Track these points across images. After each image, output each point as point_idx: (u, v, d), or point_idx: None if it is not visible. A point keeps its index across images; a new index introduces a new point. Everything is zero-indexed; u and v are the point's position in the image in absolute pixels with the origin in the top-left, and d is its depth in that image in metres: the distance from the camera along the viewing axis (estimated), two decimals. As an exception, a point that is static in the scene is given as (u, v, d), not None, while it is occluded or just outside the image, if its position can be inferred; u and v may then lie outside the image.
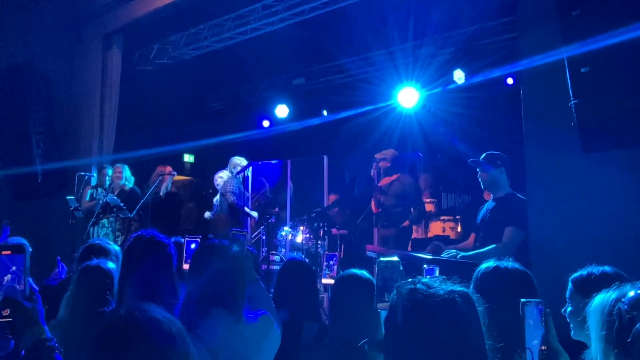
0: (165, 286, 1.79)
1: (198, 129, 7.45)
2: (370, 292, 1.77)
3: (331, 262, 2.61)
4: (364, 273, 1.91)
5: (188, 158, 8.87)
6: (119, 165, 5.42)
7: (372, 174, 5.24)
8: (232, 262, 1.68)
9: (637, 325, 1.05)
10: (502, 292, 1.51)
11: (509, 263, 1.59)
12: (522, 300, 1.34)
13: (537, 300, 1.35)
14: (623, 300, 1.09)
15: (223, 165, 8.10)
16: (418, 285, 0.99)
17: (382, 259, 1.66)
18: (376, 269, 1.63)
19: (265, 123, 8.28)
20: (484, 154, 3.35)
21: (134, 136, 6.64)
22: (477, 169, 3.33)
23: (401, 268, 1.66)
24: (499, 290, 1.52)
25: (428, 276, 1.61)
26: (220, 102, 8.72)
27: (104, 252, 2.21)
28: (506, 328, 1.40)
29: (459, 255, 3.08)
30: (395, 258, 1.66)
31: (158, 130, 7.05)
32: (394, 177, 5.27)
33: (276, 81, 8.01)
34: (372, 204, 5.29)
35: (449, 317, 0.95)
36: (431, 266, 1.77)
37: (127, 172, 5.38)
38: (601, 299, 1.16)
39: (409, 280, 1.04)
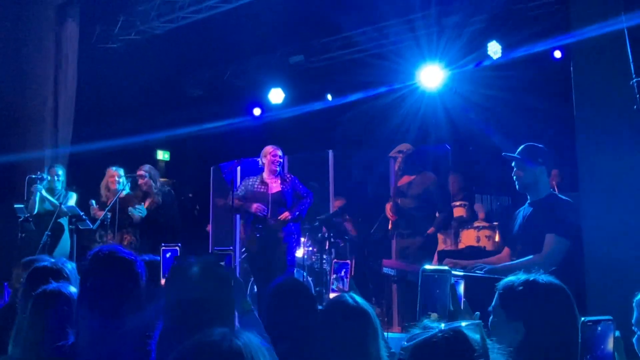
0: (130, 310, 1.81)
1: (174, 120, 7.49)
2: (363, 328, 1.75)
3: (342, 273, 2.60)
4: (357, 300, 1.86)
5: (162, 155, 8.92)
6: (54, 167, 5.52)
7: (395, 168, 5.28)
8: (216, 284, 1.69)
9: None
10: (534, 311, 1.52)
11: (541, 276, 1.60)
12: (584, 319, 1.34)
13: (606, 318, 1.35)
14: None
15: (203, 164, 8.15)
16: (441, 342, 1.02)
17: (427, 267, 1.63)
18: (420, 280, 1.60)
19: (256, 111, 8.32)
20: (522, 146, 3.33)
21: (96, 128, 6.68)
22: (513, 165, 3.32)
23: (453, 281, 1.64)
24: (530, 308, 1.53)
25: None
26: (201, 86, 8.75)
27: (55, 273, 2.22)
28: (538, 351, 1.42)
29: (485, 269, 3.07)
30: (445, 267, 1.64)
31: (125, 121, 7.09)
32: (414, 175, 5.28)
33: (269, 59, 8.03)
34: (388, 209, 5.30)
35: None
36: (455, 280, 1.76)
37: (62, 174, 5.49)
38: None
39: (430, 332, 1.06)
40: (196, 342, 1.06)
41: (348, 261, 2.60)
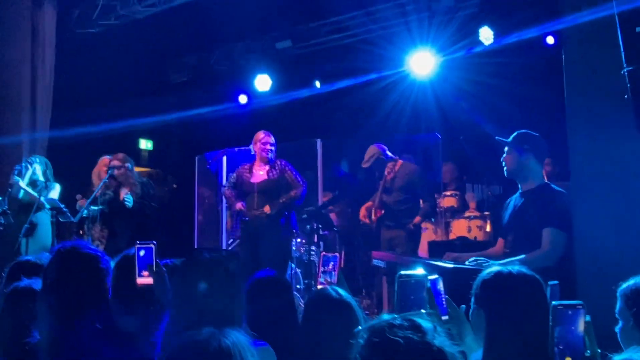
0: (94, 309, 1.84)
1: (157, 108, 7.45)
2: (346, 318, 1.82)
3: (330, 267, 2.62)
4: (340, 293, 1.94)
5: (145, 144, 8.88)
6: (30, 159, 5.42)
7: (385, 173, 5.34)
8: (229, 279, 1.73)
9: None
10: (507, 302, 1.58)
11: (514, 268, 1.66)
12: (554, 303, 1.41)
13: (576, 302, 1.41)
14: None
15: (188, 153, 8.13)
16: (387, 334, 1.05)
17: (403, 272, 1.68)
18: (395, 286, 1.66)
19: (242, 98, 8.29)
20: (515, 133, 3.40)
21: (76, 116, 6.63)
22: (505, 150, 3.39)
23: (428, 285, 1.70)
24: (503, 300, 1.59)
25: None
26: (184, 72, 8.68)
27: (38, 269, 2.24)
28: (512, 344, 1.48)
29: (488, 264, 3.11)
30: (421, 271, 1.69)
31: (105, 109, 7.04)
32: (396, 168, 5.38)
33: (255, 45, 8.00)
34: (362, 213, 5.44)
35: None
36: (434, 277, 1.80)
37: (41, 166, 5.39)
38: None
39: (381, 322, 1.09)
40: (185, 342, 1.09)
41: (337, 254, 2.62)
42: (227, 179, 5.33)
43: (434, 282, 1.78)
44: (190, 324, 1.51)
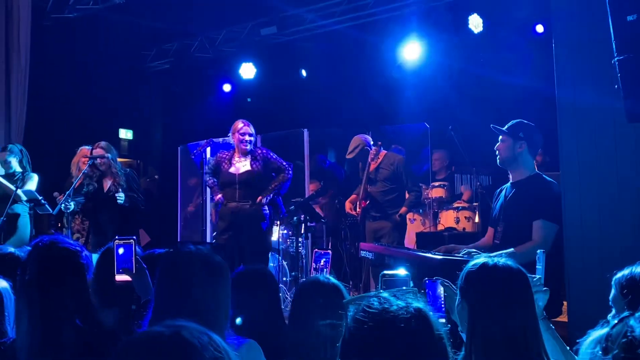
0: (75, 305, 1.83)
1: (137, 96, 7.39)
2: (335, 300, 1.89)
3: (321, 263, 2.65)
4: (329, 279, 2.02)
5: (125, 134, 8.79)
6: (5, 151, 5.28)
7: (370, 159, 5.37)
8: (215, 273, 1.74)
9: None
10: (492, 295, 1.61)
11: (499, 260, 1.68)
12: None
13: None
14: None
15: (170, 143, 8.08)
16: (373, 304, 1.12)
17: (386, 272, 1.71)
18: (379, 285, 1.69)
19: (226, 87, 8.25)
20: (510, 122, 3.43)
21: (52, 104, 6.55)
22: (499, 138, 3.42)
23: (412, 284, 1.73)
24: (488, 292, 1.61)
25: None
26: (166, 59, 8.61)
27: (18, 264, 2.21)
28: (497, 336, 1.51)
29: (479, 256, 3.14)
30: (404, 271, 1.72)
31: (84, 97, 6.97)
32: (379, 159, 5.40)
33: (239, 31, 7.94)
34: (347, 206, 5.46)
35: (402, 339, 1.07)
36: (433, 280, 1.82)
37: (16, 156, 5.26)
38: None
39: (368, 295, 1.15)
40: (142, 334, 1.06)
41: (329, 251, 2.66)
42: (206, 164, 5.21)
43: (433, 285, 1.79)
44: (173, 319, 1.52)
